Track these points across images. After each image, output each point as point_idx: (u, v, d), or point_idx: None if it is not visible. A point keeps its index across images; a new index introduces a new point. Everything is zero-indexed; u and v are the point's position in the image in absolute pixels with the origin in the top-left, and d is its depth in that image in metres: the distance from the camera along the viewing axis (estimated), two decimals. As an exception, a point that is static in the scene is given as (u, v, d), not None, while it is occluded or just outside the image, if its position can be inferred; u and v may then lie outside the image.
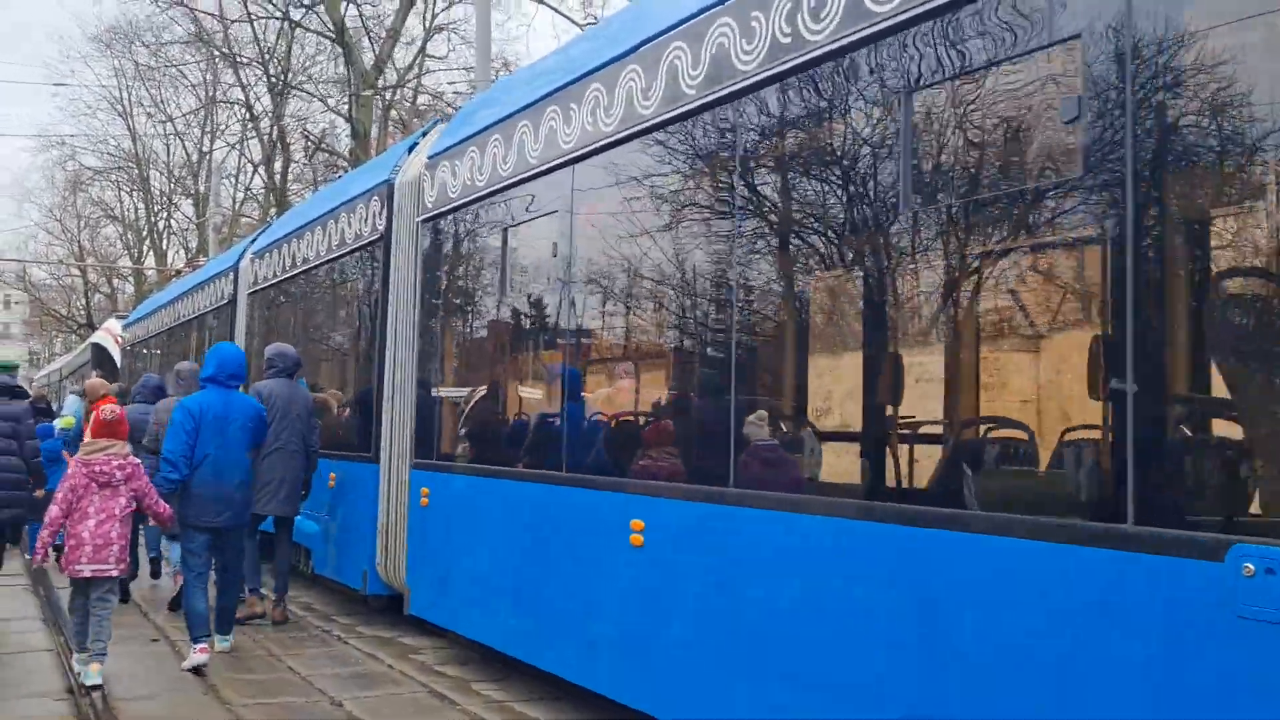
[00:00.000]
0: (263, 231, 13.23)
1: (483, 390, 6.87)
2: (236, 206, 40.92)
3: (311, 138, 20.91)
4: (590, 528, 5.26)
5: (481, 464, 6.54)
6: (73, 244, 53.77)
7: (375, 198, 8.36)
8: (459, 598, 6.66)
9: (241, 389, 7.43)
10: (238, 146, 39.04)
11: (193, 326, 14.92)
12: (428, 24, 24.85)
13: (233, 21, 23.41)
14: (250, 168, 40.04)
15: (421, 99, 26.00)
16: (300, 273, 10.16)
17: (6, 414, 7.76)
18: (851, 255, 4.15)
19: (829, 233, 4.24)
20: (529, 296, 6.27)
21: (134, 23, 38.12)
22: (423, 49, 25.01)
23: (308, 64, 27.31)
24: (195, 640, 6.52)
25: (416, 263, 7.66)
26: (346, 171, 21.95)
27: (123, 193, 49.41)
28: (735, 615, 4.28)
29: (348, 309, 9.28)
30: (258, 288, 11.54)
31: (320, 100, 24.19)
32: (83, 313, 53.46)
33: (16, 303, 65.51)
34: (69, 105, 75.48)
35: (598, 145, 5.44)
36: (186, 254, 44.08)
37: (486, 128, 6.69)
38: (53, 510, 6.11)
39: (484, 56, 16.10)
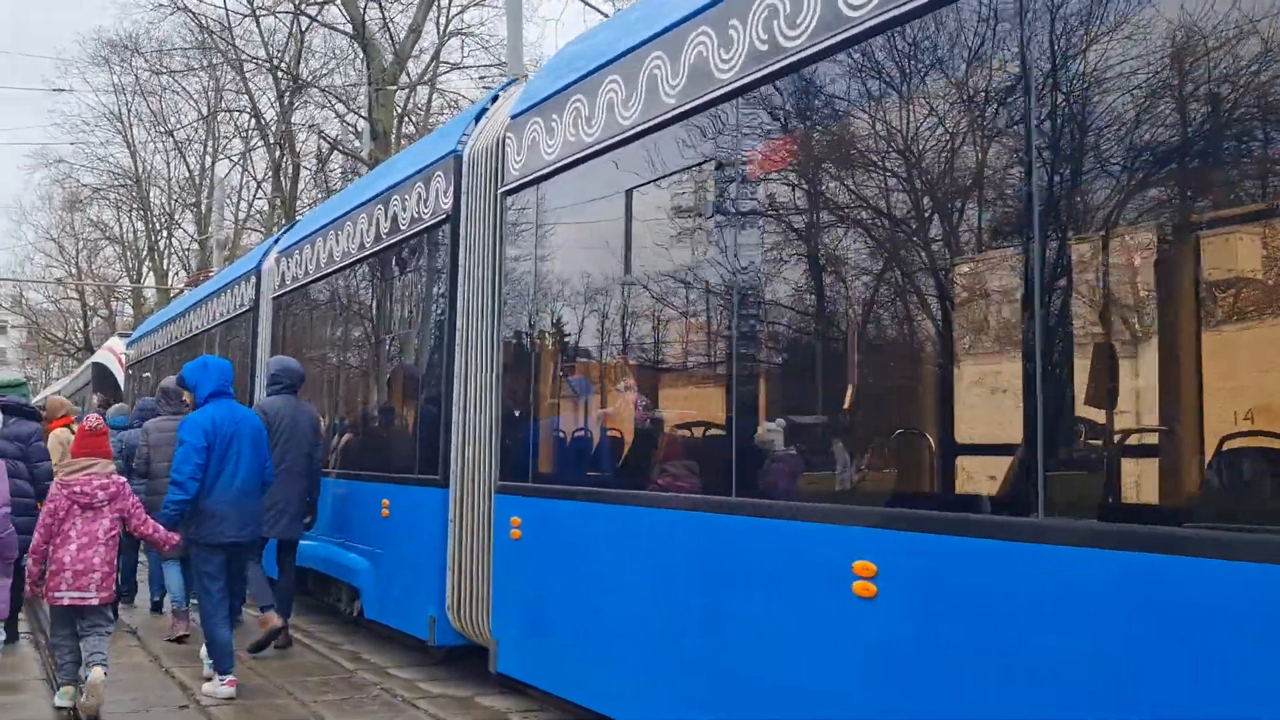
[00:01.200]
0: (288, 229, 11.95)
1: (602, 397, 5.54)
2: (239, 225, 39.75)
3: (327, 138, 19.61)
4: (788, 572, 3.94)
5: (602, 487, 5.21)
6: (70, 265, 52.51)
7: (438, 173, 7.07)
8: (572, 655, 5.30)
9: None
10: (240, 162, 37.91)
11: (205, 339, 13.61)
12: (442, 29, 23.78)
13: (244, 16, 22.15)
14: (253, 184, 38.95)
15: (437, 101, 24.84)
16: (338, 269, 8.85)
17: (15, 434, 7.26)
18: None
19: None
20: (670, 274, 4.94)
21: (134, 35, 36.96)
22: (436, 55, 23.88)
23: (318, 71, 26.12)
24: (222, 672, 6.23)
25: (497, 245, 6.35)
26: (363, 175, 20.72)
27: (121, 213, 48.26)
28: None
29: (400, 307, 7.96)
30: (284, 290, 10.23)
31: (338, 101, 22.89)
32: (80, 335, 52.22)
33: (14, 327, 64.19)
34: (65, 121, 74.14)
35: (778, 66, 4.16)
36: (188, 274, 42.89)
37: (600, 67, 5.40)
38: (35, 537, 5.78)
39: (515, 48, 14.96)
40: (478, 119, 7.16)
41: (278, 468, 7.21)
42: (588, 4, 17.54)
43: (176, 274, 45.60)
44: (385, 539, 7.45)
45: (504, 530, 5.91)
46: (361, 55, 18.36)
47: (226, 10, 22.32)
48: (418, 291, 7.49)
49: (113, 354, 23.67)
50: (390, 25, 19.36)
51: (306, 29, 23.40)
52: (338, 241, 8.85)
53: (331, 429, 8.80)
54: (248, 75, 25.87)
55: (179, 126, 34.92)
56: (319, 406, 9.58)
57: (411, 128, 21.74)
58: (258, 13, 23.42)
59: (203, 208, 40.86)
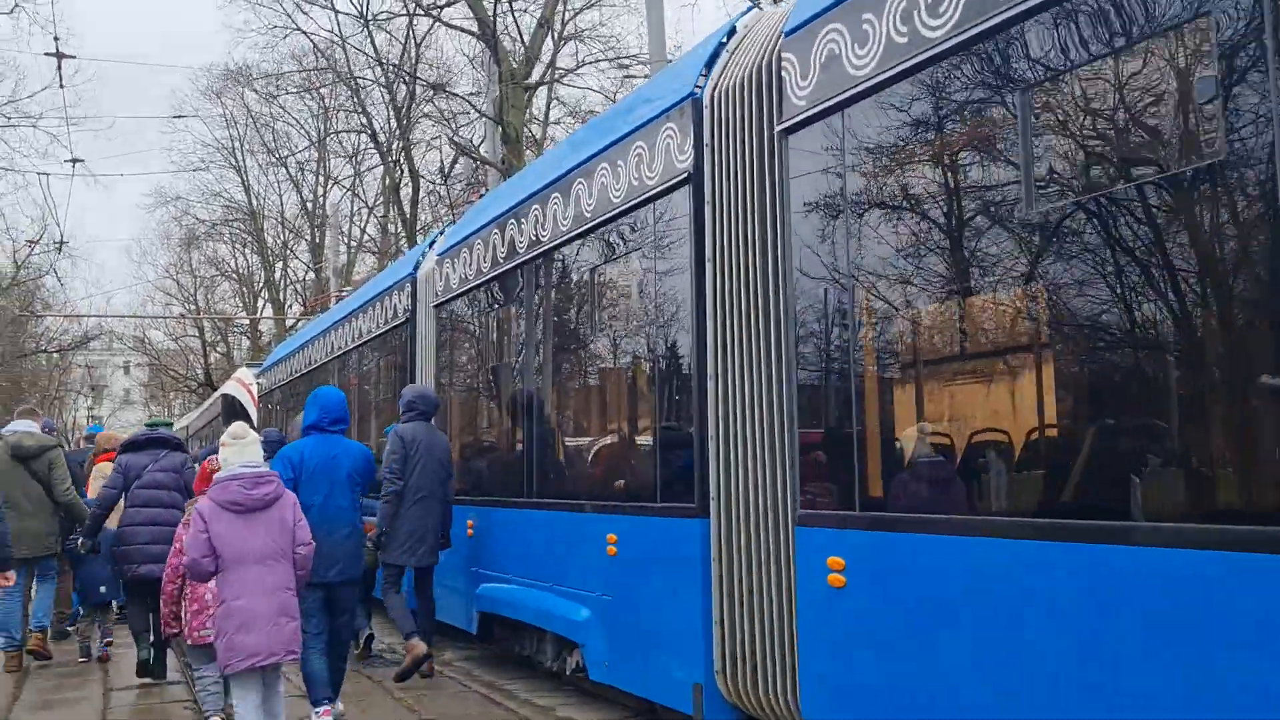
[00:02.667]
0: (445, 230, 10.74)
1: (986, 383, 3.97)
2: (353, 253, 39.36)
3: (459, 143, 18.47)
4: None
5: (1002, 516, 3.68)
6: (189, 303, 53.10)
7: (675, 117, 5.67)
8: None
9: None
10: (352, 187, 37.49)
11: (352, 359, 12.49)
12: (558, 34, 22.57)
13: (360, 21, 21.22)
14: (365, 211, 38.50)
15: (555, 111, 23.69)
16: (522, 263, 7.52)
17: (169, 465, 7.84)
18: None
19: None
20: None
21: (245, 66, 36.89)
22: (552, 62, 22.73)
23: (438, 82, 25.20)
24: (315, 704, 6.18)
25: (779, 192, 4.90)
26: (483, 191, 19.61)
27: (236, 248, 48.55)
28: None
29: (621, 295, 6.54)
30: (450, 296, 8.97)
31: (458, 111, 21.77)
32: (201, 372, 52.75)
33: (136, 365, 65.51)
34: (181, 159, 75.65)
35: None
36: (304, 305, 42.76)
37: None
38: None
39: (658, 34, 13.67)
40: (710, 62, 5.72)
41: (414, 496, 7.40)
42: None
43: (290, 305, 45.62)
44: (613, 583, 6.04)
45: (814, 576, 4.43)
46: (489, 55, 17.15)
47: (336, 17, 21.35)
48: (648, 275, 6.05)
49: (241, 385, 22.98)
50: (517, 21, 18.18)
51: (426, 34, 22.53)
52: (519, 231, 7.53)
53: (524, 449, 7.46)
54: (362, 90, 25.10)
55: (291, 154, 34.48)
56: (501, 424, 8.29)
57: (538, 131, 20.61)
58: (373, 20, 22.55)
59: (316, 237, 40.65)
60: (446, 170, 22.11)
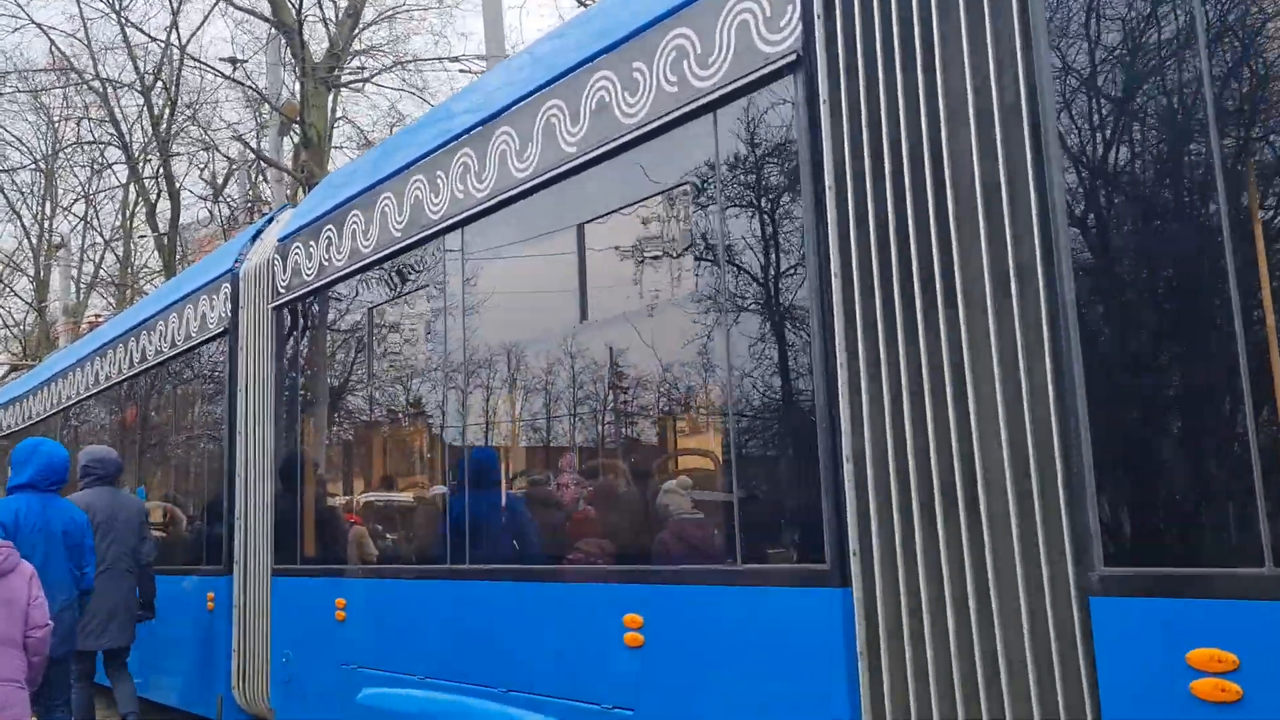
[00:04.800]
0: (282, 209, 8.28)
1: None
2: (83, 291, 34.44)
3: (248, 149, 15.50)
4: None
5: None
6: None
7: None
8: None
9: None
10: (84, 217, 32.87)
11: (125, 390, 9.64)
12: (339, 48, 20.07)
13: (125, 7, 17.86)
14: (100, 245, 33.91)
15: (369, 116, 21.05)
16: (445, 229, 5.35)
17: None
18: None
19: None
20: None
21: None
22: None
23: (194, 100, 22.04)
24: None
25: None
26: (264, 212, 16.93)
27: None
28: None
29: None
30: (303, 291, 6.60)
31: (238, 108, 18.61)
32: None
33: None
34: None
35: None
36: (25, 352, 37.25)
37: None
38: None
39: (496, 32, 11.93)
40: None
41: (99, 569, 6.61)
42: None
43: (5, 348, 39.64)
44: (637, 687, 3.96)
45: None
46: (283, 45, 14.57)
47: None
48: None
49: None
50: (322, 5, 15.63)
51: (202, 24, 19.34)
52: (446, 183, 5.37)
53: (449, 496, 5.24)
54: (111, 96, 21.49)
55: (9, 169, 29.64)
56: (402, 461, 6.02)
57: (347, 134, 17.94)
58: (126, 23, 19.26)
59: (40, 272, 35.39)
60: (219, 185, 18.97)
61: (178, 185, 21.41)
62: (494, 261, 5.06)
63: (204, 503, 8.05)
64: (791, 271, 3.65)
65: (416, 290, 5.57)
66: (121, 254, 32.04)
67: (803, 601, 3.42)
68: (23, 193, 34.11)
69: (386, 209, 5.81)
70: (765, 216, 3.76)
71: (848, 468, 3.35)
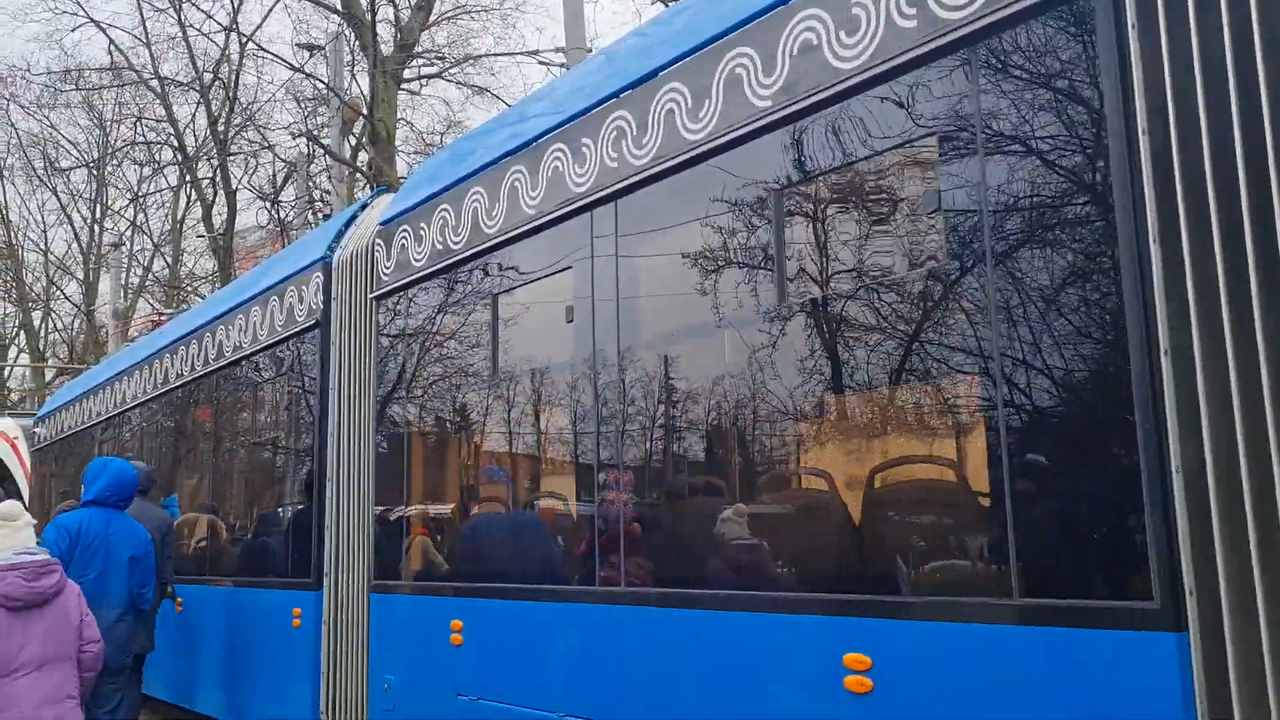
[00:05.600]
0: (377, 193, 7.68)
1: None
2: (133, 295, 34.23)
3: (314, 144, 14.94)
4: None
5: None
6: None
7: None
8: None
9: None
10: (133, 222, 32.67)
11: (207, 387, 9.07)
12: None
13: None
14: (150, 249, 33.72)
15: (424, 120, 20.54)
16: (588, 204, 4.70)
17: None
18: None
19: None
20: None
21: (11, 79, 31.71)
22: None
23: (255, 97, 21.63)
24: None
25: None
26: (328, 217, 16.49)
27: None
28: None
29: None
30: (411, 278, 5.96)
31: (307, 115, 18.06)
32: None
33: None
34: None
35: None
36: (73, 355, 37.19)
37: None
38: None
39: (577, 23, 11.34)
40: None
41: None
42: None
43: (51, 355, 39.58)
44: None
45: None
46: (352, 39, 14.05)
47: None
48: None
49: (3, 439, 18.31)
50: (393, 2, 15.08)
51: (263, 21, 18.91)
52: (591, 152, 4.71)
53: (620, 509, 4.54)
54: (170, 94, 21.10)
55: (64, 171, 29.42)
56: (543, 467, 5.31)
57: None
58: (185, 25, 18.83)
59: (90, 275, 35.27)
60: (277, 186, 18.53)
61: (234, 187, 20.98)
62: (658, 236, 4.40)
63: (287, 510, 7.43)
64: (1091, 236, 2.95)
65: (557, 273, 4.91)
66: (171, 258, 31.79)
67: (1117, 647, 2.71)
68: (74, 195, 34.07)
69: (517, 183, 5.17)
70: (1050, 166, 3.07)
71: (1177, 481, 2.65)
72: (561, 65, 13.24)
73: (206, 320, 9.06)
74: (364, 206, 7.42)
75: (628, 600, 4.23)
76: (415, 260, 5.95)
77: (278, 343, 7.59)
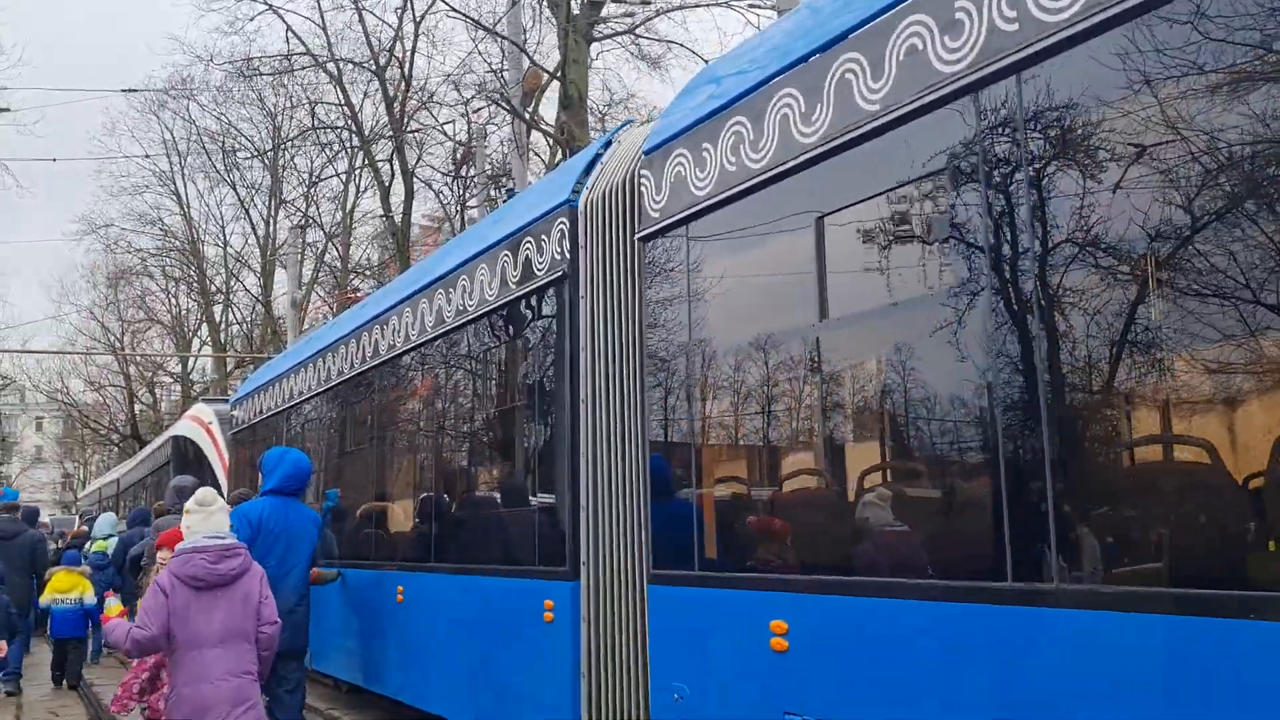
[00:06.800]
0: (619, 130, 6.76)
1: None
2: (307, 287, 34.77)
3: (504, 107, 14.27)
4: None
5: None
6: (113, 346, 47.69)
7: None
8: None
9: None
10: (304, 212, 33.08)
11: (423, 357, 8.34)
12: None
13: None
14: (322, 241, 34.14)
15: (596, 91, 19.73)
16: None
17: None
18: None
19: None
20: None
21: (189, 77, 32.55)
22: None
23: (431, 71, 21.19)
24: None
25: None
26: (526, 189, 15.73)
27: (170, 285, 43.61)
28: None
29: None
30: (683, 213, 4.98)
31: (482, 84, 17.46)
32: (126, 424, 47.58)
33: (52, 416, 59.77)
34: (113, 184, 68.47)
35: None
36: (251, 346, 38.17)
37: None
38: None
39: None
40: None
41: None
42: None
43: (230, 345, 40.80)
44: None
45: None
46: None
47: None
48: None
49: (199, 425, 18.43)
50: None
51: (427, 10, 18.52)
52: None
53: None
54: (345, 76, 20.92)
55: (241, 158, 29.90)
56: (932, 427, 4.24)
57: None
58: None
59: (266, 266, 36.05)
60: (458, 161, 18.01)
61: (410, 167, 20.62)
62: (1086, 116, 3.26)
63: (530, 490, 6.58)
64: None
65: (911, 183, 3.83)
66: (343, 247, 32.09)
67: None
68: (251, 189, 34.82)
69: (850, 75, 4.10)
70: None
71: None
72: (773, 8, 12.07)
73: (419, 287, 8.33)
74: (607, 144, 6.49)
75: (1065, 603, 3.13)
76: (697, 187, 4.96)
77: (510, 302, 6.75)
